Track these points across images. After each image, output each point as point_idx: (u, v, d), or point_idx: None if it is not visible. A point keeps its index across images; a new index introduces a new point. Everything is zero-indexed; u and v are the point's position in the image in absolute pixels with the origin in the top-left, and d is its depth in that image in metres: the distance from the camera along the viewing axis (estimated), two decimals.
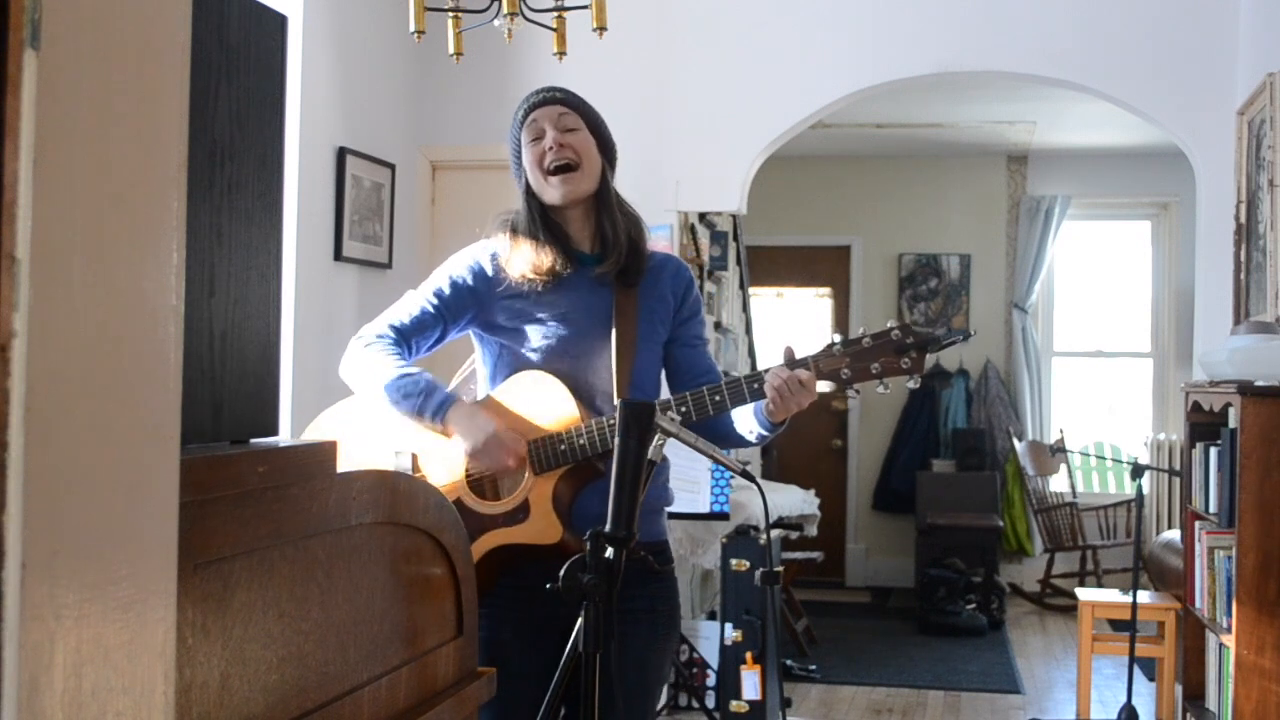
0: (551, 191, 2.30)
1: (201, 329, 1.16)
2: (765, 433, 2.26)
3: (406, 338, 2.33)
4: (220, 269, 1.19)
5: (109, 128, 0.78)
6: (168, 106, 0.84)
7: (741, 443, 2.34)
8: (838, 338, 2.21)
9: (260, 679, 1.16)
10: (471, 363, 2.48)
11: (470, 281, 2.33)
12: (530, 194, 2.34)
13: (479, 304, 2.33)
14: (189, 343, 1.09)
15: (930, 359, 2.29)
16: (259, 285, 1.25)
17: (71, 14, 0.74)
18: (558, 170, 2.29)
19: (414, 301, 2.35)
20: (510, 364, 2.32)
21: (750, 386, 2.18)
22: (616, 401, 2.25)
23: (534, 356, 2.29)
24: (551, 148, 2.28)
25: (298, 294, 4.42)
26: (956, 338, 2.36)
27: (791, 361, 2.18)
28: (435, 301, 2.33)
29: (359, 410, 2.33)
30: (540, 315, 2.29)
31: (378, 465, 2.21)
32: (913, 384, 2.20)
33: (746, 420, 2.28)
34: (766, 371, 2.17)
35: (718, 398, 2.19)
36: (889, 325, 2.20)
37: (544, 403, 2.25)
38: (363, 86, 4.92)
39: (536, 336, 2.29)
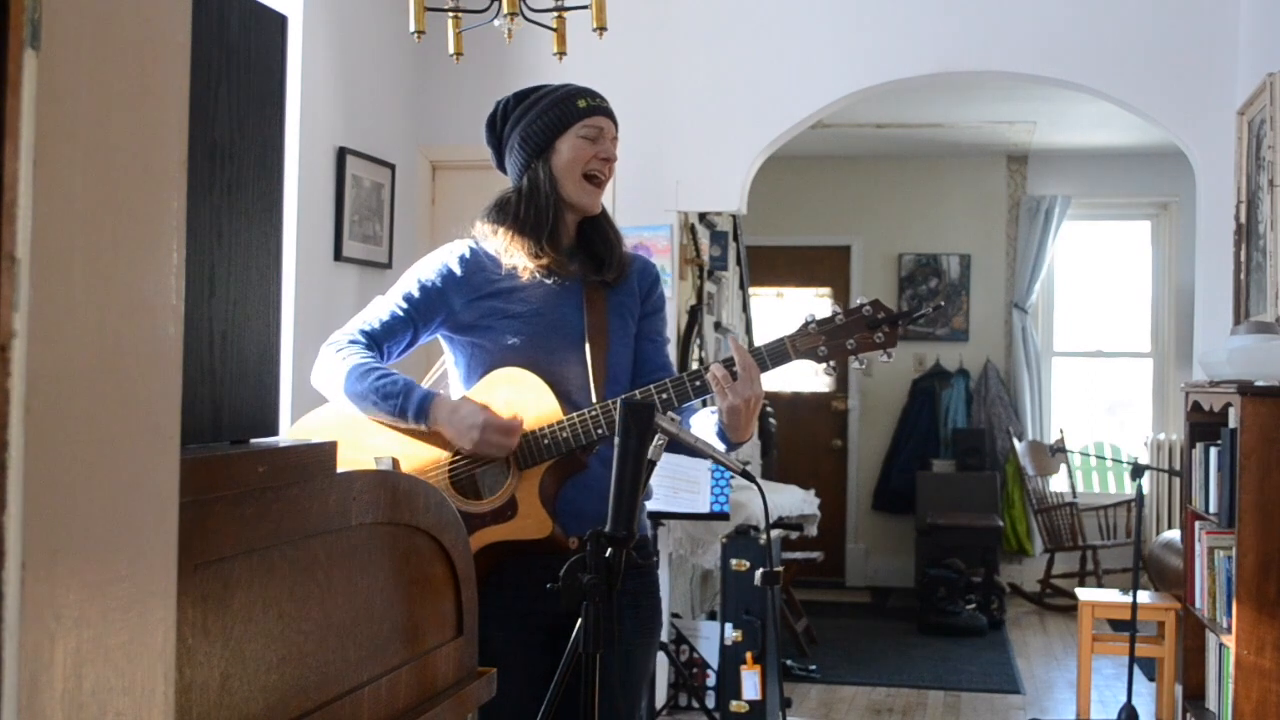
0: (586, 197, 2.33)
1: (201, 329, 1.16)
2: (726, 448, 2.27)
3: (378, 342, 2.32)
4: (220, 269, 1.19)
5: (109, 128, 0.78)
6: (168, 106, 0.84)
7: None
8: (813, 315, 2.23)
9: (260, 679, 1.16)
10: (441, 365, 2.48)
11: (439, 284, 2.33)
12: (554, 186, 2.32)
13: (449, 306, 2.32)
14: (189, 343, 1.09)
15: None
16: (259, 285, 1.25)
17: (71, 14, 0.74)
18: (595, 180, 2.32)
19: (383, 306, 2.34)
20: (484, 363, 2.31)
21: (731, 370, 2.19)
22: (594, 397, 2.28)
23: (507, 354, 2.29)
24: (606, 159, 2.32)
25: (298, 294, 4.42)
26: (926, 310, 2.43)
27: (770, 346, 2.21)
28: (405, 305, 2.32)
29: (336, 416, 2.31)
30: (513, 312, 2.30)
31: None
32: (885, 359, 2.24)
33: (712, 440, 2.28)
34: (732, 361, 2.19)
35: (698, 383, 2.21)
36: (859, 302, 2.24)
37: (523, 398, 2.25)
38: (363, 86, 4.92)
39: (509, 334, 2.29)
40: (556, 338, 2.30)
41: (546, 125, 2.32)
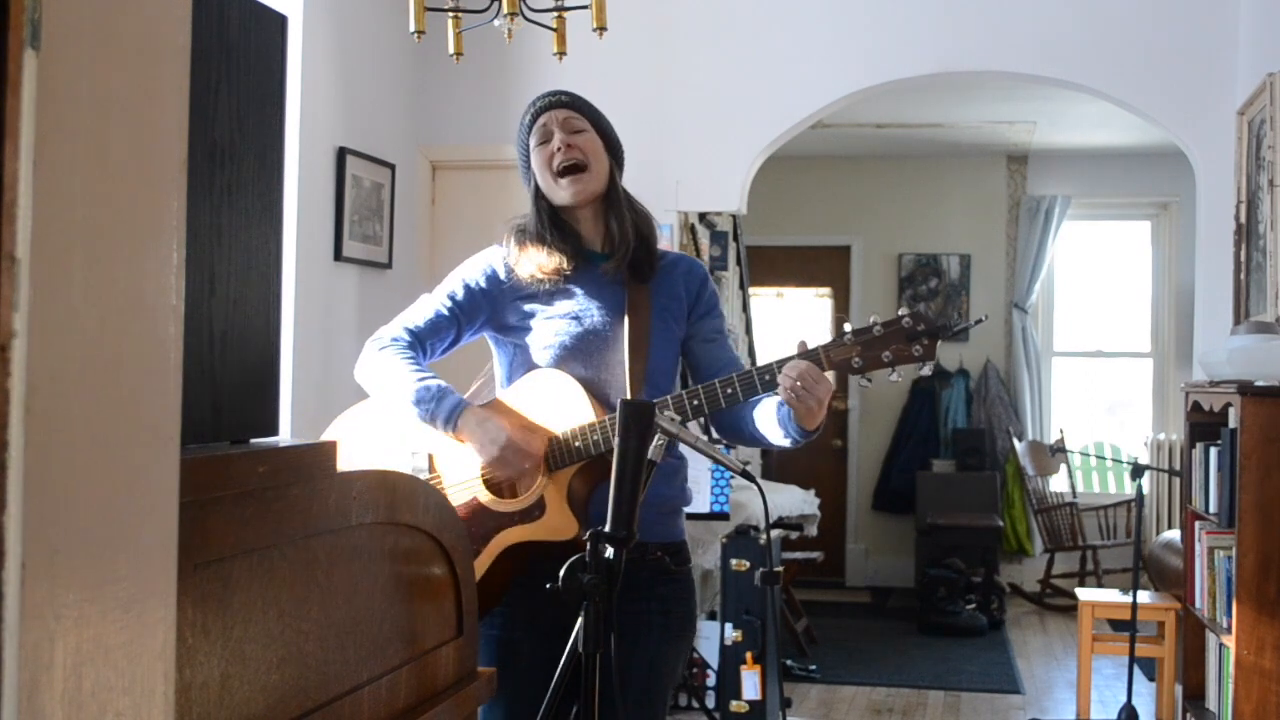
0: (561, 192, 2.33)
1: (201, 329, 1.16)
2: (799, 439, 2.24)
3: (421, 340, 2.36)
4: (220, 269, 1.19)
5: (109, 128, 0.78)
6: (168, 106, 0.84)
7: (775, 447, 2.34)
8: (849, 326, 2.20)
9: (260, 679, 1.16)
10: (490, 367, 2.50)
11: (484, 284, 2.36)
12: (540, 196, 2.37)
13: (492, 307, 2.36)
14: (189, 343, 1.09)
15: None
16: (259, 285, 1.25)
17: (71, 14, 0.74)
18: (567, 171, 2.32)
19: (428, 305, 2.38)
20: (525, 364, 2.34)
21: (762, 378, 2.17)
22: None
23: (548, 356, 2.31)
24: (560, 149, 2.31)
25: (298, 294, 4.42)
26: (968, 324, 2.39)
27: (804, 354, 2.17)
28: (450, 304, 2.36)
29: (376, 411, 2.37)
30: (553, 314, 2.32)
31: (395, 465, 2.23)
32: (925, 371, 2.20)
33: (773, 427, 2.26)
34: (781, 362, 2.16)
35: (729, 390, 2.19)
36: (900, 313, 2.19)
37: (557, 401, 2.26)
38: (363, 86, 4.92)
39: (550, 336, 2.31)
40: (597, 341, 2.30)
41: (522, 144, 2.39)
